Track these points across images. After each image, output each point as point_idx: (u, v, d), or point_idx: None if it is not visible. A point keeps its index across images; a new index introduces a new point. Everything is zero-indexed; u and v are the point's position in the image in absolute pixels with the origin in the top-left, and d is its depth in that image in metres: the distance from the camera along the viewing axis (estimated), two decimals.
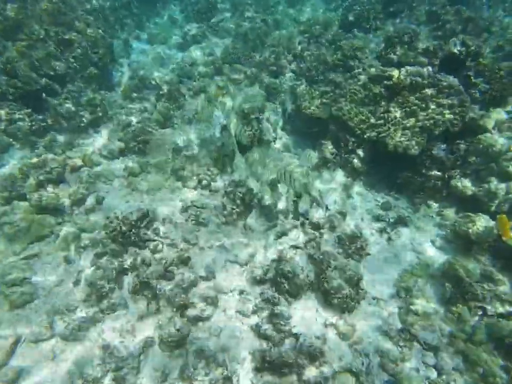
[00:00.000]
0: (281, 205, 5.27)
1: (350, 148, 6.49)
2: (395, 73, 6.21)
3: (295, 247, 4.94)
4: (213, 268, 4.51)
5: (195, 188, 5.48)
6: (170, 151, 6.08)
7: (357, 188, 6.53)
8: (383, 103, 6.34)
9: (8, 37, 6.43)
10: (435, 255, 5.48)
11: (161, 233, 4.73)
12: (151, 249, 4.48)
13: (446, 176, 5.99)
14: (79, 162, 5.49)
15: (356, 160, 6.40)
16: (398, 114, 6.04)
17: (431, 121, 5.78)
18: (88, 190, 5.20)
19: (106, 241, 4.37)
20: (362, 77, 6.66)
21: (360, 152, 6.49)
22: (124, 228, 4.34)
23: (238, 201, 5.02)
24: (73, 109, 6.53)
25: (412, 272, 5.11)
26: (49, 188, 4.83)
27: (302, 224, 5.28)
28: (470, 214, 5.53)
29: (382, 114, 6.20)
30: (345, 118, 6.52)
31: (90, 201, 5.13)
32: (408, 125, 5.92)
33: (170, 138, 6.27)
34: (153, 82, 7.53)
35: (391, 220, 5.92)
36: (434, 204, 6.22)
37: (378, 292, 4.91)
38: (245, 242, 4.79)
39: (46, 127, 6.32)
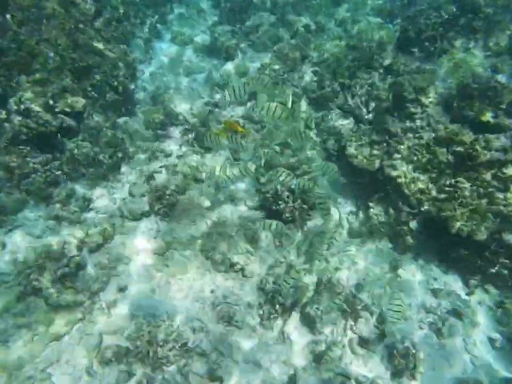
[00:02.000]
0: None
1: (402, 219, 5.67)
2: (468, 139, 5.21)
3: None
4: None
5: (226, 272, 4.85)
6: (200, 216, 5.39)
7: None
8: (448, 171, 5.41)
9: (22, 69, 5.57)
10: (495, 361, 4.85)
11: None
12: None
13: None
14: (99, 240, 4.87)
15: (408, 237, 5.60)
16: (467, 192, 5.14)
17: (510, 209, 4.90)
18: (108, 277, 4.64)
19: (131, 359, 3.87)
20: (426, 136, 5.67)
21: (414, 224, 5.67)
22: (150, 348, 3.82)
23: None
24: (91, 153, 5.80)
25: None
26: (68, 282, 4.28)
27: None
28: None
29: (446, 188, 5.30)
30: (399, 181, 5.64)
31: (111, 291, 4.58)
32: (479, 207, 5.04)
33: (199, 201, 5.54)
34: (180, 118, 6.65)
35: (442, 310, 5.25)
36: (494, 290, 5.49)
37: None
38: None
39: (62, 175, 5.64)
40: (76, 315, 4.26)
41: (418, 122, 5.93)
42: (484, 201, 5.02)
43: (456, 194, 5.17)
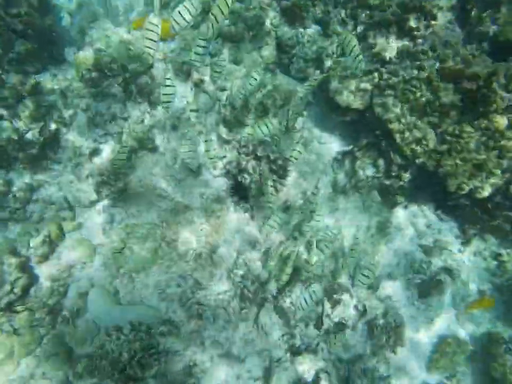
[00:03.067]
0: None
1: (394, 173, 4.81)
2: (483, 72, 3.90)
3: None
4: None
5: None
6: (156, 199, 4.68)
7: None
8: (452, 114, 4.27)
9: None
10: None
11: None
12: None
13: None
14: (44, 250, 4.30)
15: (399, 197, 4.84)
16: (472, 144, 4.12)
17: None
18: (65, 286, 4.27)
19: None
20: (428, 65, 4.31)
21: (407, 176, 4.83)
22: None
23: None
24: (14, 134, 4.80)
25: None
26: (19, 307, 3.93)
27: None
28: None
29: (448, 137, 4.27)
30: (392, 127, 4.59)
31: (72, 299, 4.26)
32: (485, 162, 4.11)
33: (152, 182, 4.72)
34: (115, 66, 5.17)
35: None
36: (493, 239, 4.99)
37: None
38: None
39: None
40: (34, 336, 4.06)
41: (419, 45, 4.47)
42: (493, 154, 4.05)
43: (458, 146, 4.17)
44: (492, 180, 4.16)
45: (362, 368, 4.10)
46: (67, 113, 5.27)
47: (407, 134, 4.50)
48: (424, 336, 4.54)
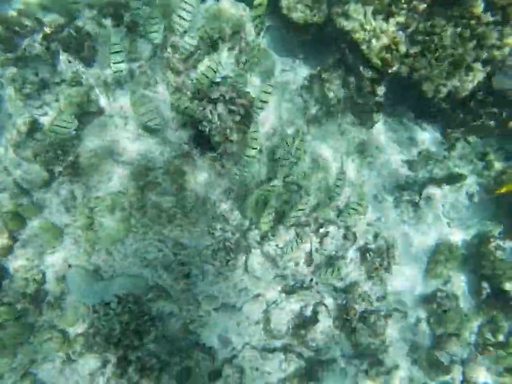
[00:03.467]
0: None
1: (367, 89, 4.37)
2: None
3: None
4: None
5: None
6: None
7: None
8: (421, 7, 3.73)
9: None
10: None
11: None
12: None
13: (504, 115, 4.24)
14: (4, 242, 3.97)
15: (376, 114, 4.45)
16: (448, 38, 3.64)
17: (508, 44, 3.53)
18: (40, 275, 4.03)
19: None
20: None
21: (381, 89, 4.41)
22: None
23: None
24: None
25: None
26: None
27: None
28: None
29: (419, 36, 3.79)
30: (356, 37, 4.08)
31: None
32: (462, 57, 3.68)
33: (106, 150, 4.26)
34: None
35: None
36: (477, 138, 4.74)
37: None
38: None
39: None
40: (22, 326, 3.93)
41: None
42: (471, 46, 3.61)
43: (431, 45, 3.71)
44: (472, 76, 3.76)
45: (360, 292, 4.08)
46: None
47: (373, 42, 3.99)
48: (418, 249, 4.49)
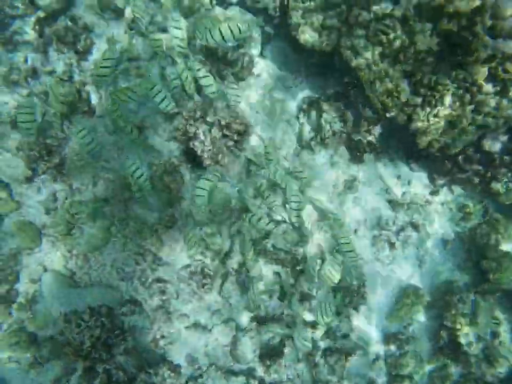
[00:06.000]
0: None
1: (363, 127, 4.38)
2: (466, 6, 3.26)
3: None
4: None
5: None
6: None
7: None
8: (430, 60, 3.71)
9: None
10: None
11: None
12: None
13: (489, 175, 4.36)
14: None
15: (367, 154, 4.49)
16: (448, 98, 3.67)
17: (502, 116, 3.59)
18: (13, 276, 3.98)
19: None
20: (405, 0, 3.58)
21: (377, 130, 4.44)
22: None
23: None
24: None
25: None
26: None
27: None
28: (500, 223, 4.49)
29: (422, 89, 3.79)
30: (362, 75, 4.05)
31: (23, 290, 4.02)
32: (459, 119, 3.73)
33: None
34: None
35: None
36: (460, 189, 4.88)
37: None
38: None
39: None
40: None
41: None
42: (469, 110, 3.65)
43: (432, 100, 3.73)
44: (465, 137, 3.83)
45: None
46: None
47: (377, 84, 3.97)
48: (387, 289, 4.67)
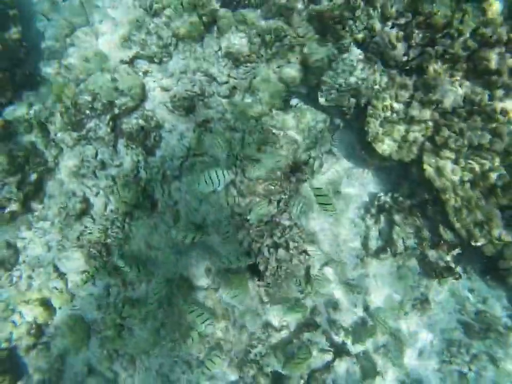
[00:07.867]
0: None
1: (441, 249, 3.96)
2: None
3: None
4: None
5: None
6: None
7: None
8: None
9: None
10: None
11: None
12: None
13: None
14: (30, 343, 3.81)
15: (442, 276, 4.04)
16: None
17: None
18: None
19: None
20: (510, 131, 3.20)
21: (456, 253, 3.99)
22: None
23: None
24: None
25: None
26: None
27: None
28: None
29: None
30: (445, 198, 3.66)
31: None
32: None
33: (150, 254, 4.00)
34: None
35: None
36: None
37: None
38: None
39: None
40: None
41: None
42: None
43: None
44: None
45: None
46: (50, 154, 4.45)
47: (465, 212, 3.56)
48: None
